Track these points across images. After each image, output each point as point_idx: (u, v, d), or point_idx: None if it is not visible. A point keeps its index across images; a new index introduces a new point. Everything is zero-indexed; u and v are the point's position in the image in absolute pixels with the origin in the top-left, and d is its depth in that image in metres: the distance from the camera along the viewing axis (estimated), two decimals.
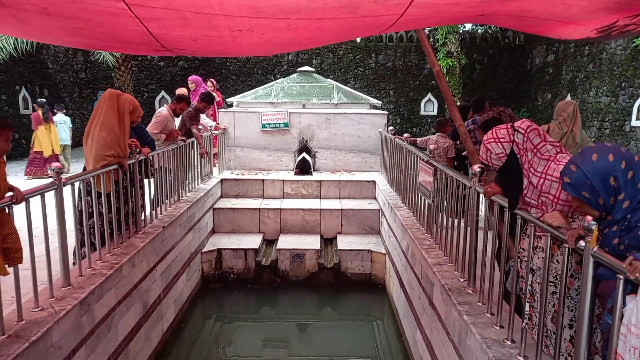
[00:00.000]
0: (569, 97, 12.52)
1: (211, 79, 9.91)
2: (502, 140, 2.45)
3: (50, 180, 3.12)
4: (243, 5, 1.83)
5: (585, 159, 1.91)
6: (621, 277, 1.64)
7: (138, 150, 4.44)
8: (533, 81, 15.10)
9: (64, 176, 3.19)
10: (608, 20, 2.30)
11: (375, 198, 7.70)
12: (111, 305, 3.61)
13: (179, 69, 16.31)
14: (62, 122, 9.97)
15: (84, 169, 4.20)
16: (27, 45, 11.47)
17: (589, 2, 2.13)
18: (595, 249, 1.79)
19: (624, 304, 1.69)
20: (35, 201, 2.88)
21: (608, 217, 1.84)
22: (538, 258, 2.41)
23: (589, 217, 1.83)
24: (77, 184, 3.69)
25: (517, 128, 2.44)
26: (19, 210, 2.75)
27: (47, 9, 1.90)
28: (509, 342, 2.59)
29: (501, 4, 2.09)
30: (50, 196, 3.09)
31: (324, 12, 1.89)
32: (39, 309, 2.91)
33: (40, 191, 2.98)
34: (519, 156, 2.41)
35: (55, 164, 3.12)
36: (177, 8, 1.87)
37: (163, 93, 16.30)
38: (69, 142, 10.09)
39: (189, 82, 9.27)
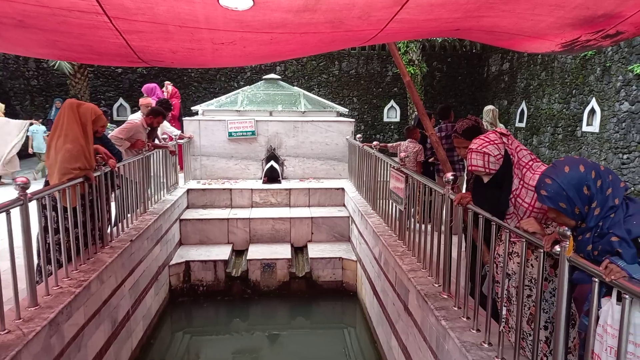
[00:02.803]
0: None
1: (168, 82, 9.75)
2: (496, 142, 2.53)
3: (15, 196, 2.97)
4: (230, 19, 1.82)
5: (559, 171, 2.01)
6: (597, 280, 1.74)
7: (104, 162, 4.30)
8: (490, 88, 15.70)
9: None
10: (572, 35, 2.45)
11: (344, 205, 7.77)
12: (80, 324, 3.46)
13: (138, 76, 15.89)
14: (35, 132, 10.27)
15: (46, 182, 4.03)
16: None
17: (555, 19, 2.25)
18: (570, 255, 1.89)
19: (599, 306, 1.79)
20: None
21: (582, 225, 1.94)
22: (513, 263, 2.51)
23: (562, 225, 1.92)
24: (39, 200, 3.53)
25: (501, 132, 2.54)
26: None
27: (24, 22, 1.82)
28: (486, 345, 2.68)
29: (475, 20, 2.18)
30: (15, 212, 2.94)
31: (309, 26, 1.91)
32: (6, 331, 2.75)
33: (6, 208, 2.84)
34: (511, 157, 2.50)
35: (20, 179, 2.97)
36: (162, 22, 1.84)
37: (121, 100, 15.82)
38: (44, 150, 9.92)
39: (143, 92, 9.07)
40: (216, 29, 1.93)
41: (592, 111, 9.86)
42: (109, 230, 4.55)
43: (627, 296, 1.62)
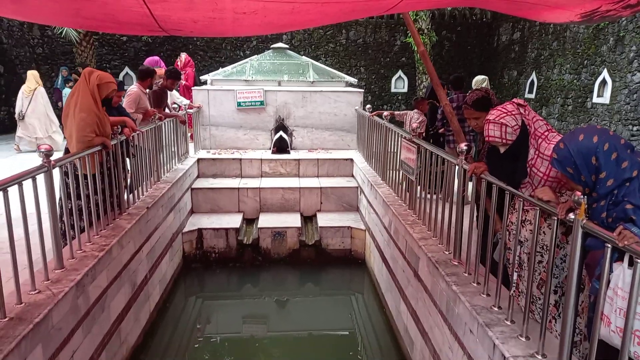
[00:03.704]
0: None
1: (184, 54, 9.70)
2: (513, 112, 2.57)
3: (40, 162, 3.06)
4: None
5: (573, 138, 2.08)
6: (609, 245, 1.82)
7: (120, 131, 4.36)
8: (499, 58, 15.47)
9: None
10: (592, 5, 2.44)
11: (353, 176, 7.84)
12: (103, 286, 3.61)
13: (143, 44, 15.74)
14: None
15: (67, 150, 4.11)
16: None
17: None
18: (584, 220, 1.96)
19: (611, 271, 1.88)
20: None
21: (593, 194, 2.01)
22: (526, 230, 2.59)
23: (579, 192, 1.99)
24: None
25: (518, 103, 2.58)
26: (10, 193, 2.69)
27: None
28: (496, 309, 2.79)
29: None
30: (40, 179, 3.03)
31: None
32: (36, 292, 2.89)
33: (31, 174, 2.92)
34: (527, 127, 2.55)
35: (44, 146, 3.04)
36: None
37: (127, 69, 15.72)
38: None
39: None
40: None
41: (604, 82, 9.76)
42: (125, 198, 4.66)
43: (639, 260, 1.69)
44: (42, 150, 3.03)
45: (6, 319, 2.58)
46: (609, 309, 1.88)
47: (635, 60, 8.78)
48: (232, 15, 2.25)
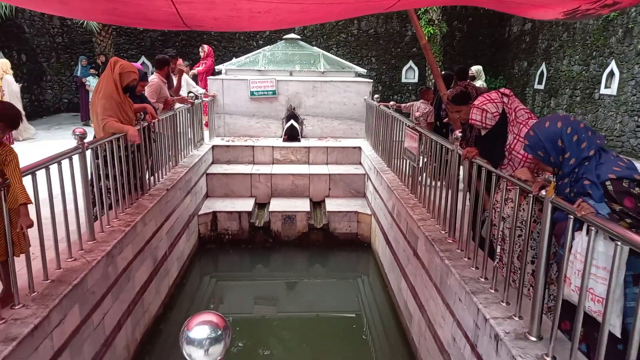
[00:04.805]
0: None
1: (206, 45, 10.05)
2: (495, 100, 2.87)
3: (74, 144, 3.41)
4: None
5: (541, 125, 2.38)
6: (571, 216, 2.11)
7: (143, 116, 4.71)
8: (510, 49, 15.52)
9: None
10: (572, 4, 2.69)
11: (360, 163, 8.13)
12: (129, 258, 3.98)
13: (159, 34, 16.09)
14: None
15: (94, 137, 4.47)
16: (4, 8, 11.22)
17: None
18: (552, 196, 2.24)
19: (572, 238, 2.17)
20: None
21: (559, 173, 2.30)
22: (508, 207, 2.87)
23: (548, 172, 2.28)
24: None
25: (503, 92, 2.87)
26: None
27: None
28: (482, 279, 3.09)
29: None
30: (75, 159, 3.40)
31: None
32: (73, 259, 3.26)
33: (67, 154, 3.28)
34: (507, 114, 2.84)
35: (78, 130, 3.40)
36: None
37: (143, 58, 16.10)
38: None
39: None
40: (256, 0, 2.24)
41: (611, 73, 9.86)
42: (147, 180, 5.02)
43: (593, 228, 1.98)
44: (77, 133, 3.39)
45: (48, 281, 2.95)
46: (570, 272, 2.17)
47: None
48: (248, 14, 2.55)
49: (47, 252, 2.96)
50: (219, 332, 0.88)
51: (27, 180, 2.70)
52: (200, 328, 0.88)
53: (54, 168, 3.10)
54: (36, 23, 14.59)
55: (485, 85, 8.48)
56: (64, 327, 2.81)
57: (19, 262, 2.72)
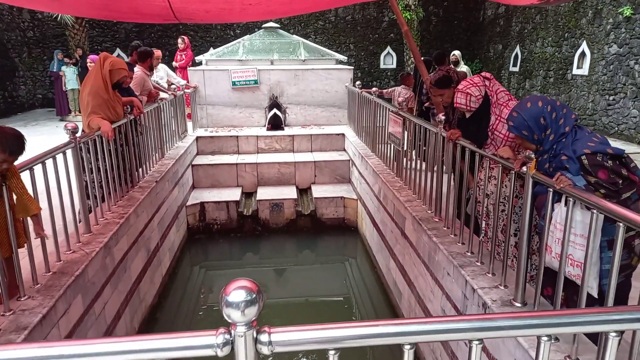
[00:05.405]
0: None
1: (186, 37, 9.95)
2: (478, 84, 3.02)
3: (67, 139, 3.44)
4: None
5: (523, 106, 2.53)
6: (551, 189, 2.28)
7: (130, 110, 4.73)
8: (485, 33, 15.78)
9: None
10: None
11: (344, 150, 8.26)
12: (124, 249, 4.04)
13: (134, 26, 15.80)
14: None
15: (82, 131, 4.47)
16: None
17: None
18: (534, 172, 2.41)
19: (552, 210, 2.34)
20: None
21: (539, 149, 2.47)
22: (492, 185, 3.05)
23: (529, 150, 2.44)
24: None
25: (485, 76, 3.02)
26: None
27: None
28: (469, 254, 3.27)
29: None
30: (68, 153, 3.43)
31: None
32: (71, 251, 3.32)
33: (61, 149, 3.31)
34: (490, 97, 3.00)
35: (70, 124, 3.42)
36: None
37: (118, 51, 15.81)
38: None
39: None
40: None
41: (583, 54, 10.17)
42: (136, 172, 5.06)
43: (571, 199, 2.15)
44: (69, 128, 3.42)
45: (50, 273, 3.01)
46: (551, 240, 2.35)
47: (612, 33, 9.18)
48: (240, 7, 2.62)
49: (46, 245, 3.00)
50: (254, 295, 1.00)
51: (25, 176, 2.75)
52: (236, 292, 1.00)
53: (47, 163, 3.13)
54: (5, 17, 14.18)
55: (469, 68, 8.81)
56: (69, 317, 2.88)
57: (20, 256, 2.77)
